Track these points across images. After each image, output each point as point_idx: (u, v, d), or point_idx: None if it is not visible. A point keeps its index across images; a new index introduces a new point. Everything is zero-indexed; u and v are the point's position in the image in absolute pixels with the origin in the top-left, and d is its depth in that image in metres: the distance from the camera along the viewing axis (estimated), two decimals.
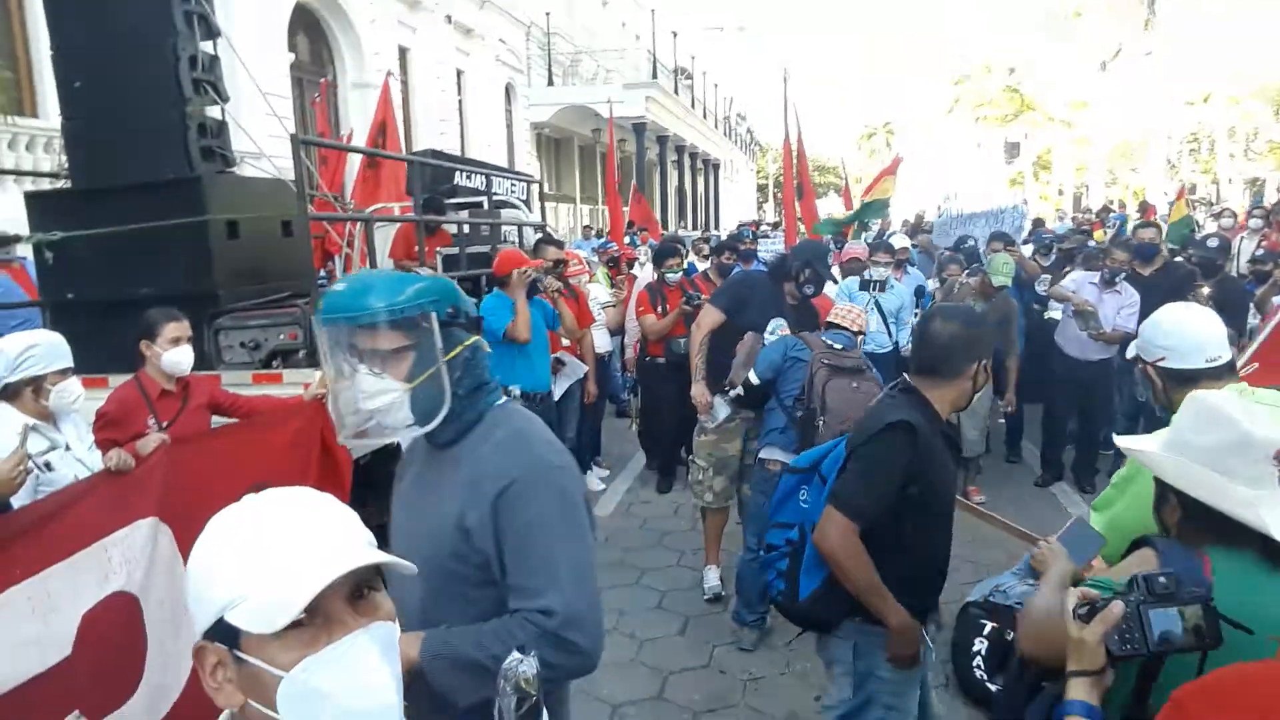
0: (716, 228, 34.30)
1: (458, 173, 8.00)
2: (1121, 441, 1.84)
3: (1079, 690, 1.42)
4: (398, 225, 7.17)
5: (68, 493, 3.04)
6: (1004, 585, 4.52)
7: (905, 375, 2.63)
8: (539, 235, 7.46)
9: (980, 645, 4.20)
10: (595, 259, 9.28)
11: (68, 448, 3.22)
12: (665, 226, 30.04)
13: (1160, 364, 2.41)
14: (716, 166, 42.11)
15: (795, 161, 12.49)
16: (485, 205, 7.69)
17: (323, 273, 7.64)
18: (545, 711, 1.34)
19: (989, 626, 4.26)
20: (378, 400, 1.65)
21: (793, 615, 2.68)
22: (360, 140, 9.32)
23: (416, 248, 7.32)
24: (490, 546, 1.68)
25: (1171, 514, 1.68)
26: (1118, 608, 1.38)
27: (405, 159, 6.91)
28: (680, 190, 36.34)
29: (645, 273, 8.10)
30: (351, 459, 4.48)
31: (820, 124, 64.85)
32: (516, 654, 1.33)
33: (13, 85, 9.99)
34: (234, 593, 0.93)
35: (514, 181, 8.57)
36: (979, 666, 4.13)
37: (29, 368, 3.11)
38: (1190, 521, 1.62)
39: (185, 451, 3.57)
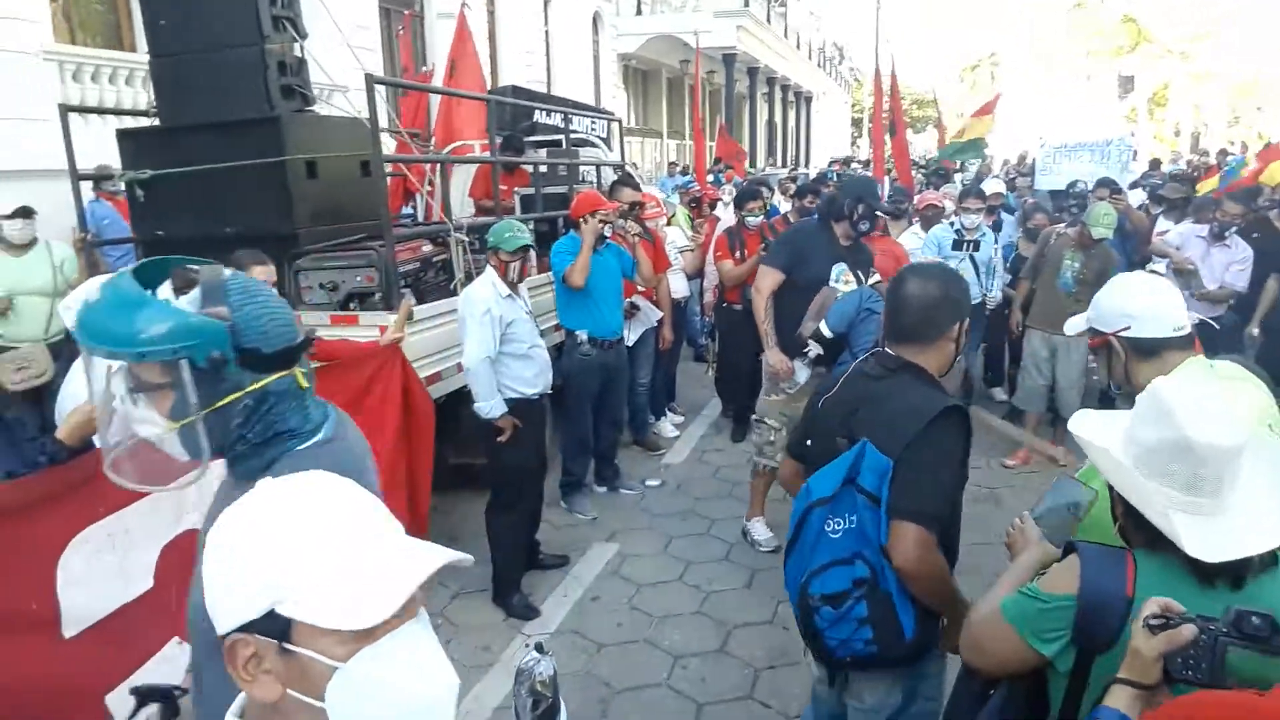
0: (806, 165, 33.42)
1: (538, 110, 7.90)
2: (1075, 426, 1.71)
3: (1121, 699, 1.35)
4: (477, 165, 7.12)
5: None
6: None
7: (882, 345, 2.35)
8: (617, 176, 7.33)
9: None
10: (675, 200, 9.10)
11: None
12: (753, 163, 29.45)
13: (1124, 334, 2.23)
14: (809, 100, 40.90)
15: (888, 95, 11.93)
16: (564, 144, 7.59)
17: (407, 210, 7.70)
18: (563, 712, 1.30)
19: None
20: (144, 429, 1.49)
21: (895, 657, 2.18)
22: (438, 75, 9.25)
23: (500, 187, 7.37)
24: None
25: (1117, 508, 1.64)
26: (1188, 632, 1.30)
27: (480, 98, 6.80)
28: (770, 125, 35.45)
29: (728, 214, 7.91)
30: (432, 400, 4.54)
31: (920, 55, 62.06)
32: (535, 654, 1.30)
33: (110, 19, 10.22)
34: (299, 585, 0.91)
35: (594, 119, 8.42)
36: None
37: None
38: (1129, 519, 1.59)
39: None
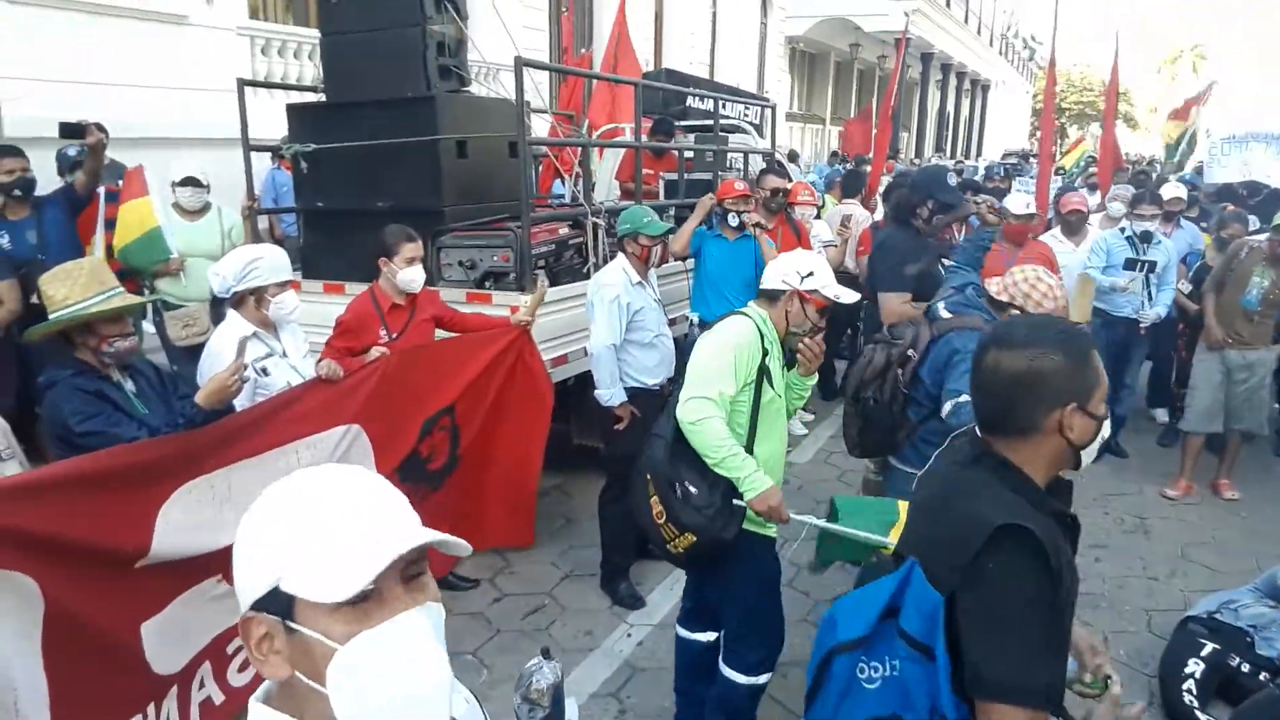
0: (977, 157, 31.88)
1: (690, 95, 7.84)
2: None
3: None
4: (625, 149, 7.15)
5: (279, 398, 3.32)
6: (1236, 602, 3.96)
7: (977, 429, 1.76)
8: (765, 163, 7.20)
9: (1195, 667, 3.71)
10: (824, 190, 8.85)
11: (284, 354, 3.49)
12: (919, 153, 28.33)
13: None
14: (986, 88, 38.95)
15: (1095, 88, 11.01)
16: (714, 129, 7.50)
17: (559, 191, 7.83)
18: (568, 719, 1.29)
19: (1209, 648, 3.76)
20: None
21: None
22: (597, 58, 9.32)
23: (646, 171, 7.37)
24: None
25: None
26: None
27: (624, 81, 6.80)
28: (941, 113, 33.99)
29: (858, 210, 7.64)
30: (553, 382, 4.61)
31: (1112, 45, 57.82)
32: (539, 659, 1.28)
33: None
34: (295, 559, 0.94)
35: (748, 105, 8.29)
36: (1190, 691, 3.65)
37: (253, 279, 3.37)
38: None
39: (399, 362, 3.81)
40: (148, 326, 5.64)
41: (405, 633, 0.96)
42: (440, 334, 4.40)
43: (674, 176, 6.67)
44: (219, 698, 3.20)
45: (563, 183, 7.71)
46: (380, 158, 5.08)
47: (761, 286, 3.08)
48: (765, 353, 2.94)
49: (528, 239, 4.65)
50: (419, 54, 5.05)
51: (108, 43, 7.66)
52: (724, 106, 7.80)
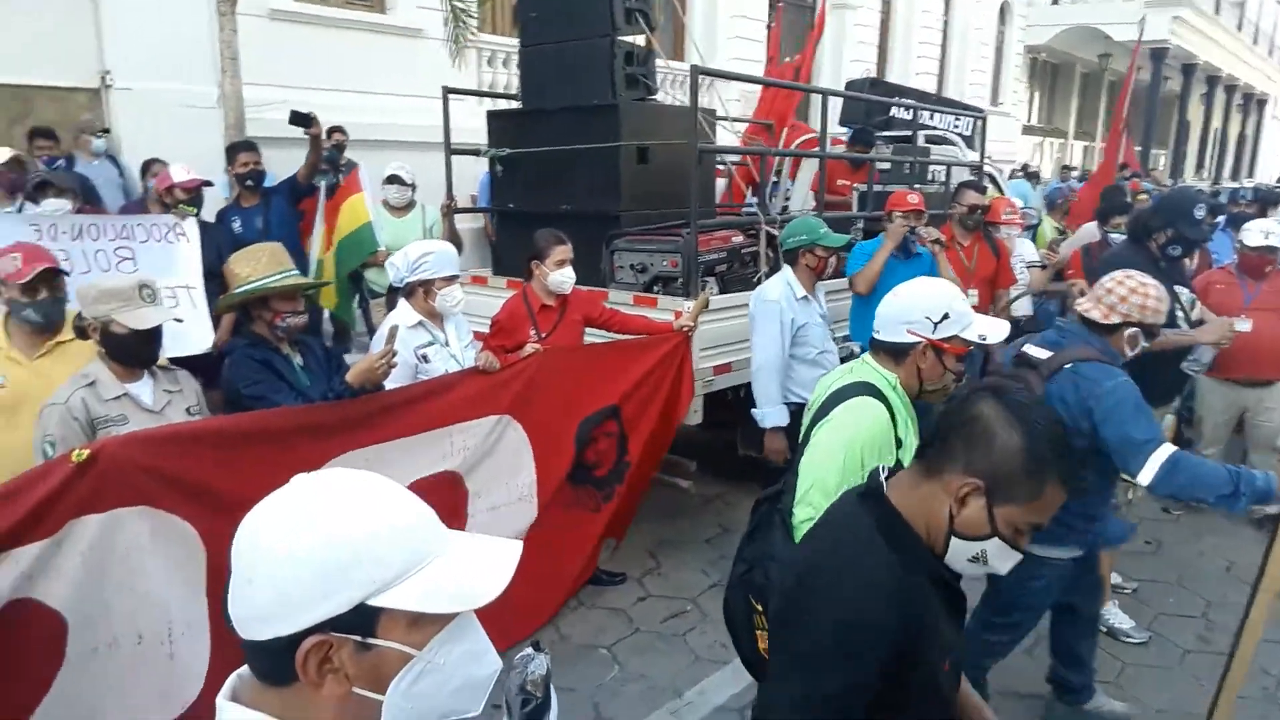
0: (1248, 177, 28.57)
1: (896, 106, 7.56)
2: None
3: None
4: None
5: (436, 382, 3.52)
6: None
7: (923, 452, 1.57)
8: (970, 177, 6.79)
9: None
10: (1037, 207, 8.22)
11: (446, 344, 3.69)
12: (1176, 174, 25.77)
13: None
14: (1262, 102, 34.84)
15: None
16: (913, 140, 7.19)
17: (753, 201, 7.80)
18: (552, 712, 1.28)
19: None
20: None
21: None
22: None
23: (840, 182, 7.19)
24: None
25: None
26: None
27: (807, 89, 6.64)
28: (1205, 130, 30.76)
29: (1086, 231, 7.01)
30: (714, 389, 4.59)
31: None
32: (529, 650, 1.29)
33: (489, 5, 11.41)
34: (387, 576, 0.91)
35: (958, 116, 7.87)
36: None
37: (422, 272, 3.60)
38: None
39: (553, 359, 3.93)
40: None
41: (467, 629, 0.99)
42: (595, 335, 4.50)
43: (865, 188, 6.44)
44: None
45: (762, 193, 7.67)
46: (566, 162, 5.27)
47: (880, 338, 2.43)
48: (895, 424, 2.35)
49: (695, 245, 4.66)
50: (607, 63, 5.19)
51: (350, 55, 8.45)
52: (931, 117, 7.46)
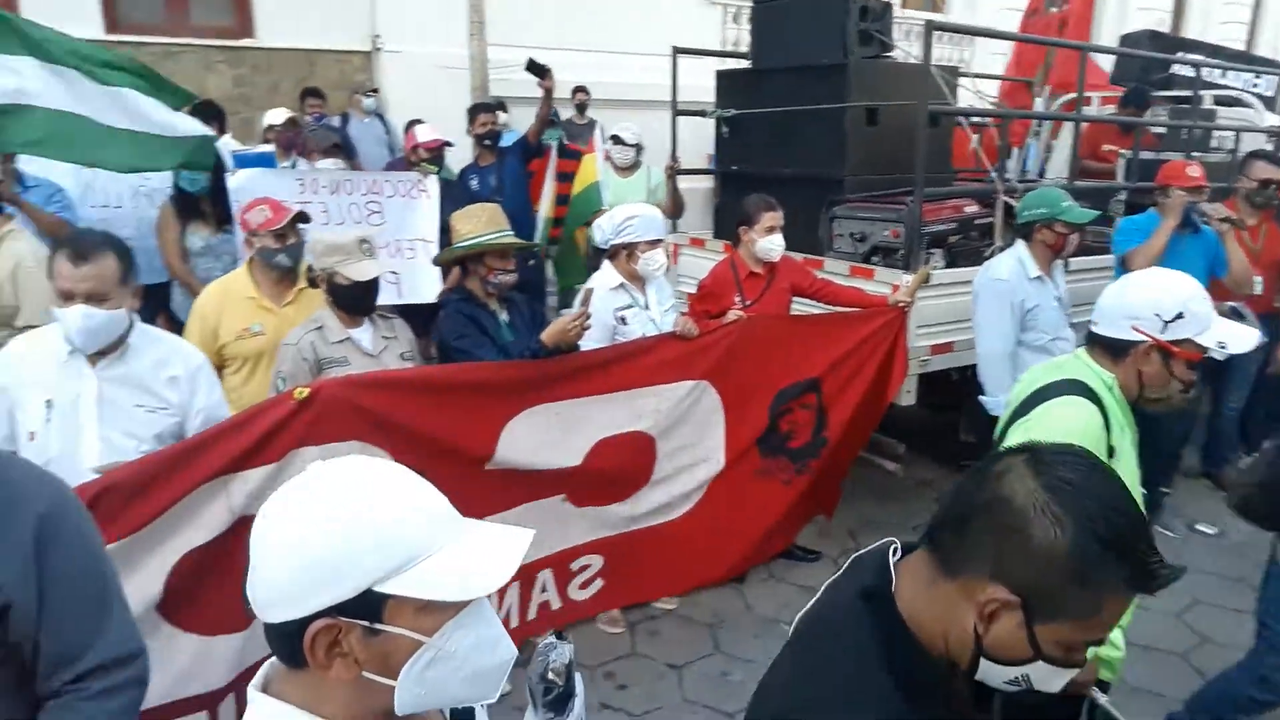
0: None
1: (1181, 61, 6.67)
2: None
3: None
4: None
5: (632, 345, 3.57)
6: None
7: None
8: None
9: None
10: None
11: (646, 307, 3.72)
12: None
13: None
14: None
15: None
16: (1206, 103, 6.32)
17: (994, 169, 7.21)
18: (578, 699, 1.25)
19: None
20: None
21: None
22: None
23: (1105, 148, 6.49)
24: (31, 609, 1.34)
25: None
26: None
27: (1070, 45, 5.96)
28: None
29: None
30: (906, 374, 4.33)
31: None
32: (552, 638, 1.27)
33: None
34: (399, 561, 0.92)
35: (1259, 73, 6.82)
36: None
37: (626, 235, 3.63)
38: None
39: (755, 328, 3.88)
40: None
41: (480, 616, 0.98)
42: (804, 306, 4.37)
43: (1150, 155, 5.75)
44: (557, 603, 3.62)
45: (1006, 157, 7.09)
46: (791, 124, 5.12)
47: (1098, 330, 2.13)
48: (1108, 429, 2.05)
49: (919, 214, 4.37)
50: (839, 20, 4.96)
51: (595, 13, 8.64)
52: (1223, 75, 6.53)
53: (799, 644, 1.21)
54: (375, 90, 7.56)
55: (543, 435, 3.29)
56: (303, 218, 3.41)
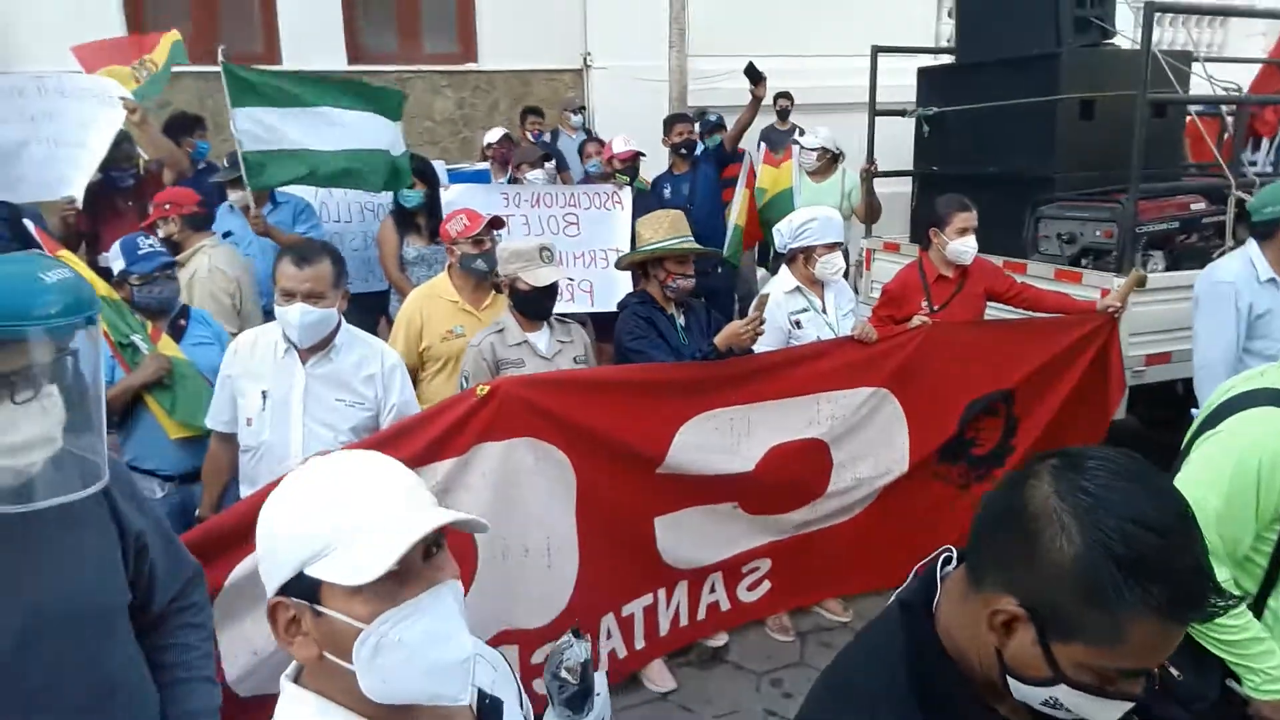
0: None
1: None
2: None
3: None
4: None
5: (806, 349, 3.53)
6: None
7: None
8: None
9: None
10: None
11: (823, 311, 3.67)
12: None
13: None
14: None
15: None
16: None
17: (1253, 160, 6.48)
18: (599, 698, 1.22)
19: None
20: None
21: None
22: None
23: None
24: (154, 543, 1.60)
25: None
26: None
27: None
28: None
29: None
30: (1125, 386, 3.99)
31: None
32: (569, 637, 1.26)
33: None
34: (318, 546, 0.98)
35: None
36: None
37: (804, 238, 3.60)
38: None
39: (942, 334, 3.73)
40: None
41: (427, 609, 0.99)
42: (999, 312, 4.14)
43: None
44: (725, 604, 3.64)
45: (1254, 149, 6.35)
46: (997, 120, 4.87)
47: None
48: None
49: (1134, 213, 4.03)
50: (1051, 7, 4.66)
51: (799, 18, 8.57)
52: None
53: (845, 648, 1.18)
54: (582, 107, 7.88)
55: (715, 440, 3.31)
56: (497, 223, 3.64)
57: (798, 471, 3.53)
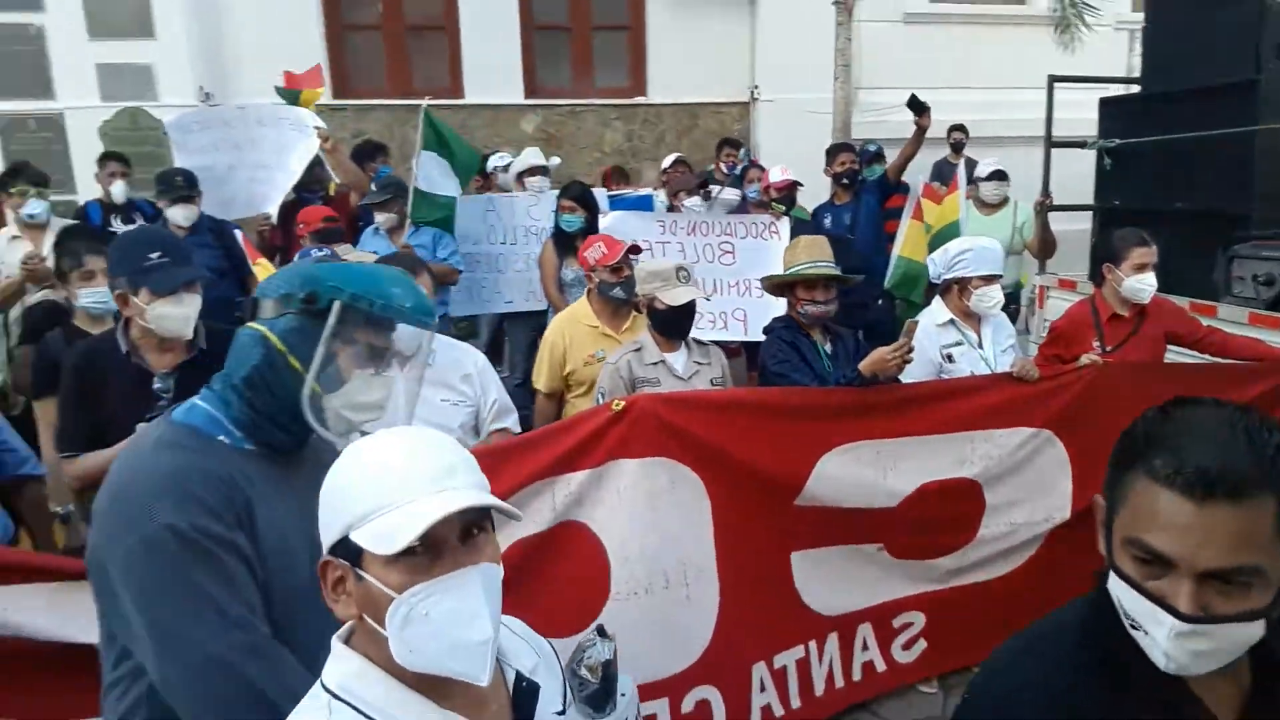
0: None
1: None
2: None
3: None
4: None
5: (959, 383, 3.37)
6: None
7: None
8: None
9: None
10: None
11: (978, 345, 3.50)
12: None
13: None
14: None
15: None
16: None
17: None
18: (625, 700, 1.24)
19: None
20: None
21: None
22: None
23: None
24: None
25: None
26: None
27: None
28: None
29: None
30: None
31: None
32: (593, 634, 1.27)
33: None
34: (361, 512, 1.05)
35: None
36: None
37: (959, 269, 3.46)
38: None
39: (1115, 376, 3.47)
40: None
41: (452, 589, 1.04)
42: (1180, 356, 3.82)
43: None
44: (881, 665, 3.40)
45: None
46: (1186, 153, 4.57)
47: None
48: None
49: None
50: (1254, 32, 4.31)
51: (976, 50, 8.32)
52: None
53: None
54: (740, 144, 7.92)
55: (858, 473, 3.15)
56: (635, 250, 3.70)
57: (947, 513, 3.32)
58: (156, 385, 2.51)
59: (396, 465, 1.07)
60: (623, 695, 1.30)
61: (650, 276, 3.21)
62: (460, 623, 1.04)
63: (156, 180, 4.84)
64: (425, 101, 4.93)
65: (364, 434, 1.50)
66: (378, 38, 8.31)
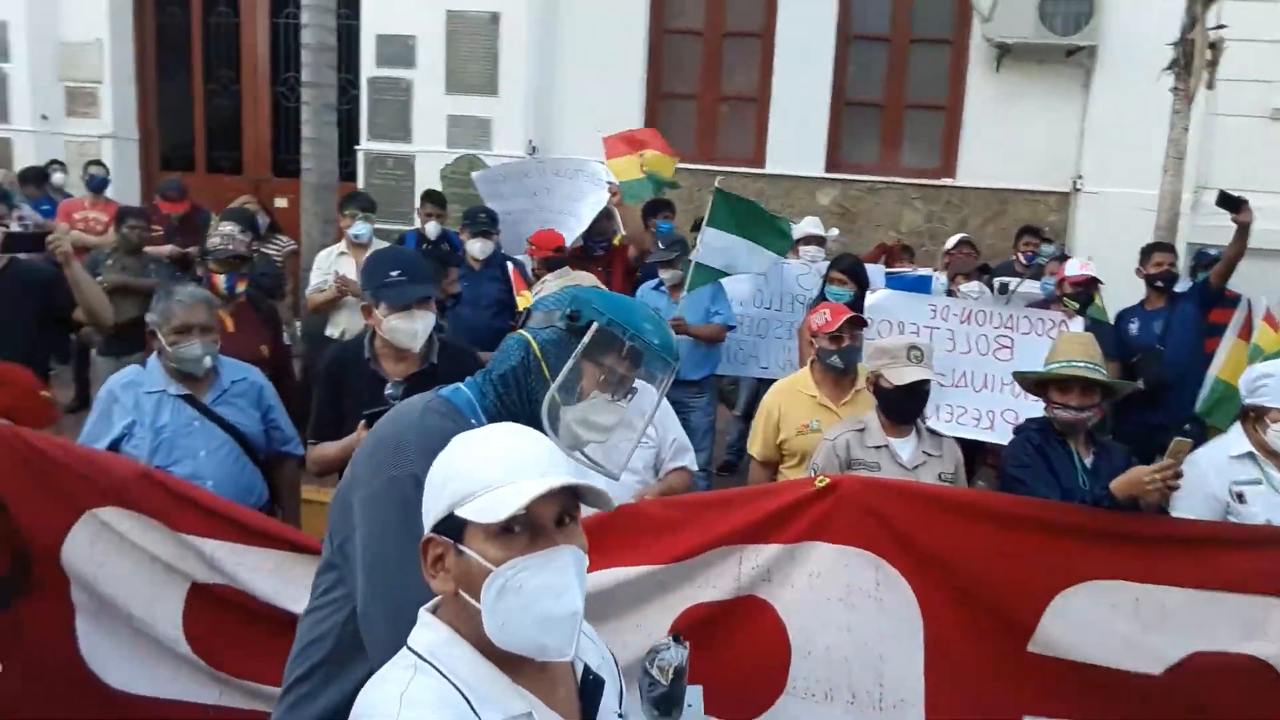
0: None
1: None
2: None
3: None
4: None
5: (1257, 530, 2.75)
6: None
7: None
8: None
9: None
10: None
11: (1277, 488, 2.89)
12: None
13: None
14: None
15: None
16: None
17: None
18: (689, 708, 1.28)
19: None
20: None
21: None
22: None
23: None
24: None
25: None
26: None
27: None
28: None
29: None
30: None
31: None
32: (669, 639, 1.32)
33: None
34: (467, 490, 1.13)
35: None
36: None
37: (1259, 395, 2.89)
38: None
39: None
40: None
41: (547, 564, 1.12)
42: None
43: None
44: None
45: None
46: None
47: None
48: None
49: None
50: None
51: None
52: None
53: None
54: (1049, 240, 7.28)
55: (1111, 622, 2.56)
56: (858, 323, 3.48)
57: (1230, 700, 2.58)
58: (388, 391, 2.75)
59: (502, 452, 1.17)
60: (689, 706, 1.33)
61: (878, 353, 3.00)
62: (550, 596, 1.12)
63: (464, 216, 5.38)
64: (716, 181, 5.05)
65: (585, 455, 1.73)
66: (692, 105, 8.72)
